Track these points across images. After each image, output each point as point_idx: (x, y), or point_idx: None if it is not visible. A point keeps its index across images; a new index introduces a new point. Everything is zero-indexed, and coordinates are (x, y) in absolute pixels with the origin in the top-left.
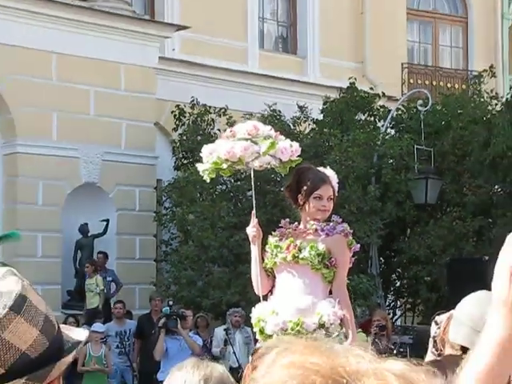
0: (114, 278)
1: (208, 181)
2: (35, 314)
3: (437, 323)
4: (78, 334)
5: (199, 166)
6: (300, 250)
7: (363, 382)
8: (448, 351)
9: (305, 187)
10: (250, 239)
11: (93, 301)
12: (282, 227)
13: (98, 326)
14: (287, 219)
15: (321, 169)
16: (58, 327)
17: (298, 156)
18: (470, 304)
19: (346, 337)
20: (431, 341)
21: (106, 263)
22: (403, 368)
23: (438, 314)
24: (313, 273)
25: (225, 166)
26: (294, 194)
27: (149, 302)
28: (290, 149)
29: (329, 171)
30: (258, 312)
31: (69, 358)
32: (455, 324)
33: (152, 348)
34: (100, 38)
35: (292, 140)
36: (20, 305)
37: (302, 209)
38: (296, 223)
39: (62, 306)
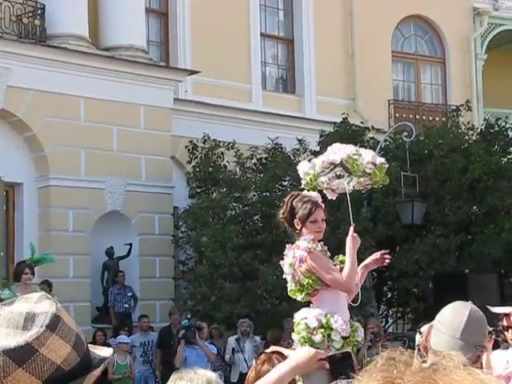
0: (133, 293)
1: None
2: (68, 332)
3: (420, 333)
4: (104, 351)
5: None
6: None
7: None
8: (431, 357)
9: (300, 213)
10: (353, 244)
11: None
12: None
13: (123, 338)
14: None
15: (307, 193)
16: (87, 345)
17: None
18: (448, 314)
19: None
20: (416, 349)
21: (126, 281)
22: None
23: (423, 324)
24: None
25: (322, 175)
26: (290, 220)
27: (169, 316)
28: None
29: (314, 193)
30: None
31: (97, 372)
32: (435, 332)
33: (172, 357)
34: (121, 83)
35: (293, 169)
36: (55, 324)
37: (300, 233)
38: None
39: (92, 321)
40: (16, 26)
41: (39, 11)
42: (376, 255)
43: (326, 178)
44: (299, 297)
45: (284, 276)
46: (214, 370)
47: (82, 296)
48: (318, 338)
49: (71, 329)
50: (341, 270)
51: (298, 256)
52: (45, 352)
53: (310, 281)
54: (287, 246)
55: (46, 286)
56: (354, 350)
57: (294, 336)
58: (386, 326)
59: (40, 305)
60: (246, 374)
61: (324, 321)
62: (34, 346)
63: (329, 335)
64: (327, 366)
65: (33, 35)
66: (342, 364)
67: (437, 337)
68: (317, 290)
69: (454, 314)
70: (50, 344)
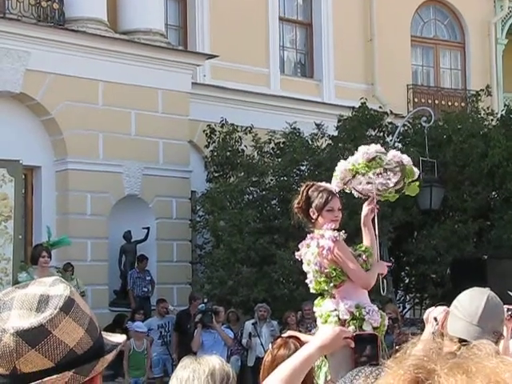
0: (151, 277)
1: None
2: (82, 316)
3: (436, 319)
4: (117, 338)
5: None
6: None
7: None
8: (447, 343)
9: (316, 202)
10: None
11: None
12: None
13: (140, 326)
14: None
15: (322, 183)
16: (100, 330)
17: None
18: (465, 300)
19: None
20: (427, 329)
21: (147, 265)
22: None
23: (436, 306)
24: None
25: (362, 170)
26: (305, 210)
27: (189, 301)
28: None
29: (329, 185)
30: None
31: (110, 357)
32: (452, 319)
33: (189, 340)
34: (140, 67)
35: (310, 154)
36: (69, 306)
37: (316, 222)
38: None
39: (109, 304)
40: (35, 10)
41: None
42: (365, 206)
43: (364, 179)
44: (325, 288)
45: (305, 267)
46: (231, 354)
47: (99, 279)
48: (350, 329)
49: (85, 312)
50: (365, 260)
51: (325, 246)
52: (58, 334)
53: (338, 271)
54: (308, 236)
55: (70, 268)
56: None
57: (321, 327)
58: (404, 312)
59: (54, 288)
60: (263, 358)
61: (356, 312)
62: (48, 327)
63: (360, 326)
64: (352, 344)
65: (51, 19)
66: (367, 344)
67: (454, 323)
68: (343, 281)
69: (472, 300)
70: (63, 326)
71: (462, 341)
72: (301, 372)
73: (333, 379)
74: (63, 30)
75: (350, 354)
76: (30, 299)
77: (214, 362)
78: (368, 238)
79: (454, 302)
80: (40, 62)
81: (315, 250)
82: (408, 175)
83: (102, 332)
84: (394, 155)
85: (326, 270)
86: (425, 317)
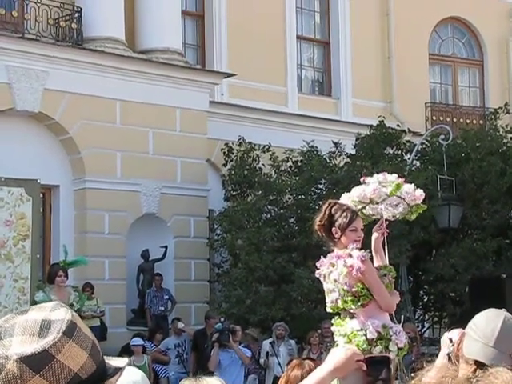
0: (170, 296)
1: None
2: (84, 339)
3: (451, 340)
4: (118, 361)
5: None
6: None
7: None
8: (463, 366)
9: (340, 221)
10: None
11: (92, 321)
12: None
13: (136, 340)
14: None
15: (345, 203)
16: (102, 353)
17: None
18: (481, 322)
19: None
20: (441, 354)
21: (162, 283)
22: None
23: (451, 329)
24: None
25: (359, 206)
26: (327, 228)
27: (205, 320)
28: (413, 192)
29: (348, 198)
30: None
31: (114, 380)
32: (468, 341)
33: (206, 360)
34: (157, 86)
35: (328, 172)
36: (71, 330)
37: (338, 241)
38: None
39: (127, 323)
40: (53, 30)
41: (76, 14)
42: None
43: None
44: (352, 307)
45: (328, 286)
46: (248, 374)
47: (117, 298)
48: (377, 349)
49: (87, 336)
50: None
51: (354, 265)
52: (62, 359)
53: (366, 290)
54: (329, 255)
55: (89, 288)
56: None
57: (348, 347)
58: (422, 331)
59: (55, 312)
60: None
61: (383, 332)
62: (51, 352)
63: (386, 346)
64: (365, 367)
65: (70, 38)
66: (380, 367)
67: (469, 344)
68: (370, 301)
69: (488, 322)
70: (66, 351)
71: (478, 363)
72: None
73: None
74: (81, 50)
75: (363, 376)
76: (31, 325)
77: (214, 382)
78: (380, 262)
79: (470, 324)
80: (58, 82)
81: (343, 270)
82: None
83: (104, 356)
84: (420, 195)
85: (353, 290)
86: (442, 340)
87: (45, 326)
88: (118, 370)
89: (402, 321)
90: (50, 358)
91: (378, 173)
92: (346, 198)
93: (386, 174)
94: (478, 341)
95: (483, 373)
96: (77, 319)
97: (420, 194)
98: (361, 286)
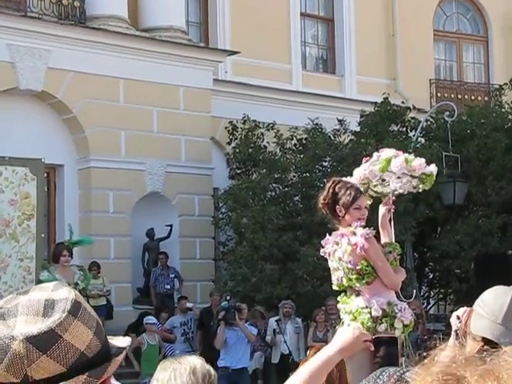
0: (177, 274)
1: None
2: (89, 318)
3: (458, 318)
4: (120, 341)
5: None
6: None
7: None
8: (470, 343)
9: (344, 199)
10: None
11: (98, 300)
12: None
13: (150, 319)
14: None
15: (346, 179)
16: (105, 333)
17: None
18: (489, 298)
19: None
20: (453, 334)
21: (168, 262)
22: None
23: (459, 308)
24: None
25: (361, 188)
26: (331, 206)
27: (210, 297)
28: (403, 164)
29: (353, 179)
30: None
31: (120, 358)
32: (476, 317)
33: (212, 338)
34: (161, 64)
35: (333, 150)
36: (77, 309)
37: (342, 219)
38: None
39: (133, 302)
40: (56, 8)
41: None
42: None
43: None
44: (357, 285)
45: (333, 264)
46: (254, 351)
47: (123, 277)
48: (382, 327)
49: (91, 315)
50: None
51: (358, 243)
52: (68, 338)
53: (370, 268)
54: (334, 233)
55: (96, 267)
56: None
57: (353, 324)
58: (428, 308)
59: (57, 292)
60: (287, 355)
61: (388, 310)
62: (58, 331)
63: (392, 324)
64: (372, 347)
65: (72, 17)
66: (387, 347)
67: (477, 321)
68: (375, 278)
69: (496, 299)
70: (72, 330)
71: (485, 340)
72: (320, 374)
73: (352, 382)
74: (84, 28)
75: (370, 356)
76: (34, 305)
77: (194, 361)
78: (387, 239)
79: (478, 301)
80: (61, 60)
81: (347, 248)
82: (427, 182)
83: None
84: (419, 165)
85: (358, 267)
86: (451, 318)
87: (48, 306)
88: (122, 349)
89: (414, 295)
90: (57, 338)
91: (379, 149)
92: (353, 180)
93: (383, 150)
94: (486, 318)
95: (497, 350)
96: (80, 298)
97: (419, 163)
98: (365, 263)
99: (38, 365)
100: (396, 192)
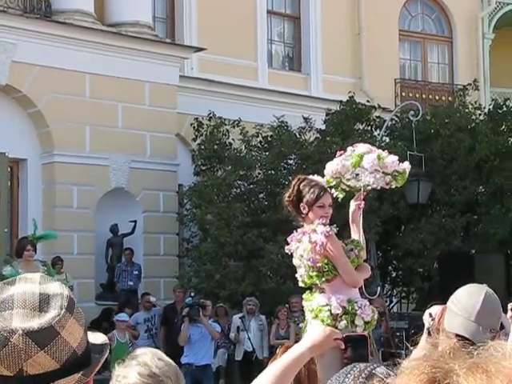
0: (139, 271)
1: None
2: (81, 316)
3: (431, 315)
4: (98, 337)
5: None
6: None
7: None
8: (443, 340)
9: (307, 197)
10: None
11: None
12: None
13: (122, 316)
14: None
15: (314, 177)
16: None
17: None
18: (462, 296)
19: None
20: (425, 331)
21: (133, 258)
22: None
23: (432, 305)
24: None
25: (334, 182)
26: (296, 204)
27: (173, 293)
28: (375, 160)
29: (319, 178)
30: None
31: (104, 356)
32: (450, 315)
33: (176, 334)
34: (127, 60)
35: (298, 147)
36: (72, 306)
37: (306, 217)
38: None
39: (96, 298)
40: (21, 1)
41: None
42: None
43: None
44: (317, 282)
45: (296, 261)
46: (218, 348)
47: (86, 273)
48: (342, 324)
49: (81, 312)
50: (356, 254)
51: (318, 241)
52: (65, 335)
53: (330, 266)
54: (297, 230)
55: (59, 262)
56: (370, 332)
57: (314, 322)
58: (391, 306)
59: (48, 286)
60: (251, 352)
61: (348, 307)
62: (56, 328)
63: (352, 321)
64: (343, 345)
65: (38, 10)
66: (357, 345)
67: (451, 319)
68: (335, 276)
69: (469, 296)
70: (69, 327)
71: (459, 336)
72: (290, 371)
73: (322, 380)
74: (50, 22)
75: (340, 355)
76: (30, 298)
77: (145, 352)
78: (357, 235)
79: (452, 298)
80: (26, 54)
81: (308, 246)
82: (399, 180)
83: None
84: (392, 162)
85: (318, 265)
86: (424, 317)
87: (44, 300)
88: (105, 346)
89: (378, 293)
90: (55, 334)
91: (344, 148)
92: (326, 173)
93: (357, 145)
94: (460, 315)
95: (483, 348)
96: (71, 294)
97: (392, 160)
98: (325, 261)
99: (34, 360)
100: (369, 187)
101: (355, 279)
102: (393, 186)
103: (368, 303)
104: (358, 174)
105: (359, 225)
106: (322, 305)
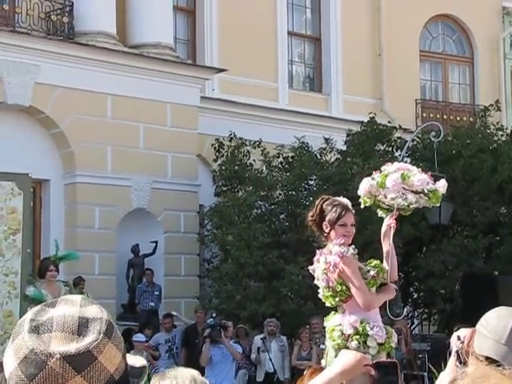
0: (160, 291)
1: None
2: (120, 340)
3: (459, 338)
4: (134, 359)
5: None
6: None
7: None
8: (473, 362)
9: (329, 216)
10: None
11: None
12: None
13: (139, 337)
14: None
15: (337, 198)
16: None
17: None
18: (492, 319)
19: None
20: (454, 354)
21: (153, 278)
22: None
23: (458, 328)
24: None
25: (368, 202)
26: (319, 223)
27: (194, 314)
28: (397, 180)
29: (345, 200)
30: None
31: (142, 380)
32: (479, 338)
33: (197, 355)
34: (149, 81)
35: (319, 168)
36: (110, 331)
37: (328, 236)
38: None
39: (117, 318)
40: (44, 23)
41: (67, 8)
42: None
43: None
44: (332, 303)
45: (316, 282)
46: (239, 369)
47: (107, 293)
48: (353, 344)
49: (120, 336)
50: (373, 276)
51: (331, 262)
52: (102, 360)
53: (344, 287)
54: (317, 251)
55: (81, 282)
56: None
57: (328, 342)
58: (412, 328)
59: (87, 309)
60: (272, 373)
61: (360, 328)
62: (94, 353)
63: (364, 342)
64: (373, 371)
65: (61, 32)
66: (387, 371)
67: (480, 341)
68: (350, 296)
69: (499, 319)
70: (106, 352)
71: (489, 359)
72: None
73: None
74: (73, 44)
75: (369, 381)
76: (69, 321)
77: (191, 371)
78: (387, 255)
79: (481, 321)
80: (49, 76)
81: (323, 266)
82: (433, 198)
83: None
84: (418, 181)
85: (331, 285)
86: (451, 340)
87: (83, 324)
88: (143, 368)
89: (403, 315)
90: (92, 359)
91: (365, 169)
92: (360, 192)
93: (389, 164)
94: (489, 338)
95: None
96: (111, 318)
97: (418, 179)
98: (340, 281)
99: None
100: (411, 206)
101: (367, 301)
102: (430, 206)
103: (382, 325)
104: (389, 194)
105: (388, 246)
106: (336, 324)
